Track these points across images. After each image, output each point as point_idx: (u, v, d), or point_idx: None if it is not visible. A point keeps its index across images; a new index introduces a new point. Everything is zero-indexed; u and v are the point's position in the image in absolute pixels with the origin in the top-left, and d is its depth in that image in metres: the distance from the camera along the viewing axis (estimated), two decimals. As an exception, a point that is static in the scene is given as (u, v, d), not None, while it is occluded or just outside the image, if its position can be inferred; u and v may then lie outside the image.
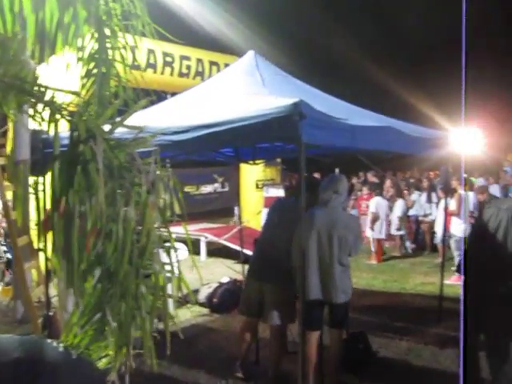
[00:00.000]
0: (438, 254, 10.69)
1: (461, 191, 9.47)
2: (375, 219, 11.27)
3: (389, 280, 9.46)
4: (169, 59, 11.18)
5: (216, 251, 11.86)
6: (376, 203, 11.37)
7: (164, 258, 2.45)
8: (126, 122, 2.51)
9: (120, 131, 2.62)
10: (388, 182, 12.90)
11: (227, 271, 8.76)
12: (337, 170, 12.48)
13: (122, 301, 2.26)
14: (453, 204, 9.29)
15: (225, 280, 7.67)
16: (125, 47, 2.80)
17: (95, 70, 2.82)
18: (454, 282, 9.01)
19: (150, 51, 10.60)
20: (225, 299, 7.26)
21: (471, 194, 10.17)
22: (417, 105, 19.01)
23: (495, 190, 12.36)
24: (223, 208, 15.14)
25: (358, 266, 10.40)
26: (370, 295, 8.28)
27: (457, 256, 9.43)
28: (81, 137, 2.22)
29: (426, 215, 12.14)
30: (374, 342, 5.72)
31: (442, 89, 21.43)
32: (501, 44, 25.76)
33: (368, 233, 11.43)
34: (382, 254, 11.70)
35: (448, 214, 8.62)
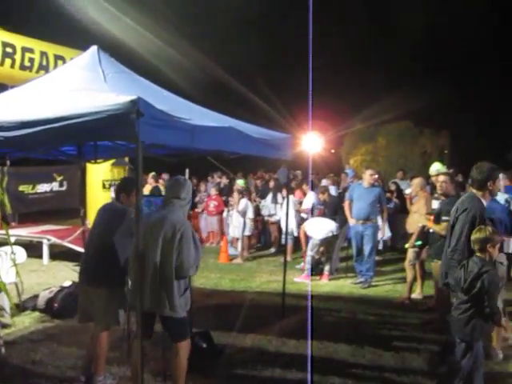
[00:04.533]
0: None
1: (310, 192, 9.87)
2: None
3: (236, 279, 9.66)
4: (9, 50, 10.49)
5: (60, 254, 11.35)
6: (245, 204, 11.81)
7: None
8: None
9: None
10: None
11: (71, 274, 8.40)
12: (187, 171, 12.43)
13: None
14: (305, 203, 9.62)
15: (67, 284, 7.34)
16: None
17: None
18: (301, 280, 9.38)
19: (-12, 41, 9.88)
20: (66, 304, 6.93)
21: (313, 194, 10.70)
22: (268, 110, 19.83)
23: (332, 190, 13.12)
24: (69, 209, 14.53)
25: (206, 266, 10.49)
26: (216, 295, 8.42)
27: (309, 256, 9.67)
28: None
29: (271, 215, 12.55)
30: (219, 341, 5.83)
31: (290, 95, 22.48)
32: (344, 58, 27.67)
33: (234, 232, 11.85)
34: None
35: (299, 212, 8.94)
